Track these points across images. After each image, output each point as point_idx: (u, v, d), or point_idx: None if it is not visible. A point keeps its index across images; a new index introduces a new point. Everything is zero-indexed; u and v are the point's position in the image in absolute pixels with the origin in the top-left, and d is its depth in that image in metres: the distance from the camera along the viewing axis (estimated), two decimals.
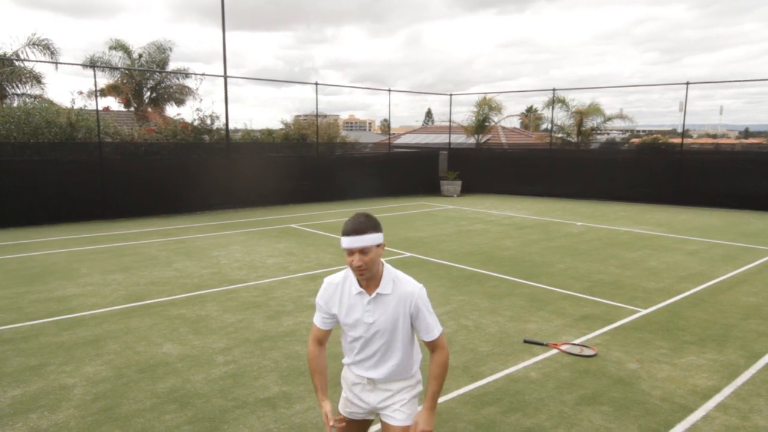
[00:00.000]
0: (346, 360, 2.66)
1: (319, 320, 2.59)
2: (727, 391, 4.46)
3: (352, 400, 2.66)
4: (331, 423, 2.41)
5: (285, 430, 3.83)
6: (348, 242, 2.34)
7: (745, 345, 5.45)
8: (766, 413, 4.09)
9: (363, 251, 2.34)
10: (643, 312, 6.46)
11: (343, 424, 2.48)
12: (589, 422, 3.95)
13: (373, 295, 2.43)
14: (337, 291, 2.51)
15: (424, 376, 2.65)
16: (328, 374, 2.64)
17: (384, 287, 2.43)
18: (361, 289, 2.45)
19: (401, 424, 2.52)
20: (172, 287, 7.40)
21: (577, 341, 5.48)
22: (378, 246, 2.38)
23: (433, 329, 2.46)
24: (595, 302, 6.84)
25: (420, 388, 2.65)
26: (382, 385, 2.56)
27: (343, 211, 15.41)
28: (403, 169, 20.04)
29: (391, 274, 2.47)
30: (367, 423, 2.75)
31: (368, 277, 2.41)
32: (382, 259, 2.49)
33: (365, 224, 2.35)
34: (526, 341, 5.47)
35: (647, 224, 13.12)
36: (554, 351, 5.24)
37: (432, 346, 2.49)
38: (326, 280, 2.56)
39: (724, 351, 5.30)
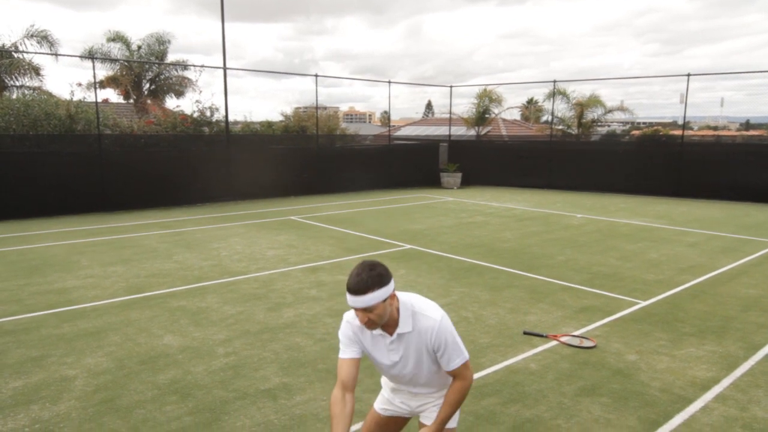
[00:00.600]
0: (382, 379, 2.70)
1: (347, 353, 2.40)
2: (726, 382, 4.48)
3: (392, 401, 2.65)
4: None
5: (286, 420, 3.85)
6: (350, 301, 2.23)
7: (745, 337, 5.47)
8: (765, 404, 4.11)
9: (367, 310, 2.22)
10: (643, 304, 6.47)
11: None
12: (588, 413, 3.97)
13: (394, 336, 2.35)
14: (358, 328, 2.40)
15: None
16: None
17: (403, 326, 2.33)
18: (381, 331, 2.36)
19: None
20: (172, 279, 7.41)
21: (576, 333, 5.50)
22: (385, 301, 2.23)
23: (451, 361, 2.36)
24: (594, 294, 6.85)
25: None
26: (422, 397, 2.58)
27: (343, 203, 15.40)
28: (403, 161, 20.02)
29: (408, 309, 2.34)
30: (403, 421, 2.73)
31: (377, 327, 2.32)
32: (397, 293, 2.36)
33: (367, 283, 2.19)
34: (525, 333, 5.48)
35: (647, 216, 13.12)
36: (554, 342, 5.26)
37: (453, 374, 2.41)
38: (345, 317, 2.44)
39: (724, 343, 5.31)
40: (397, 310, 2.32)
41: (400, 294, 2.37)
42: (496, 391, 4.30)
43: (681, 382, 4.46)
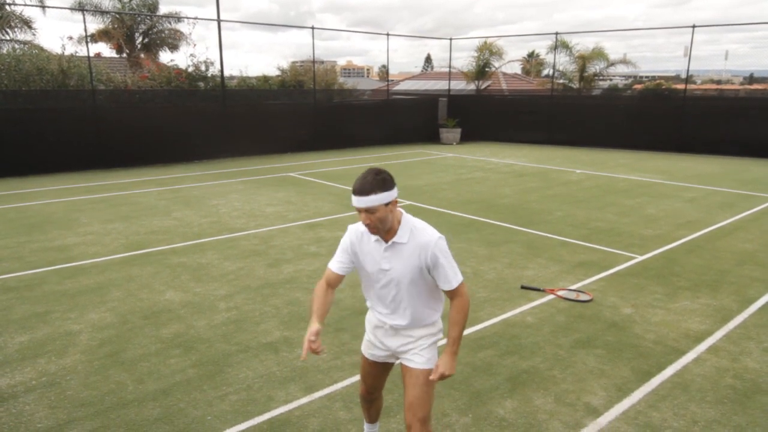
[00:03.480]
0: (367, 304, 2.73)
1: (335, 265, 2.60)
2: (719, 334, 4.57)
3: (374, 343, 2.71)
4: (306, 345, 2.39)
5: (287, 372, 3.94)
6: (354, 202, 2.36)
7: (739, 290, 5.54)
8: (756, 355, 4.21)
9: (369, 211, 2.34)
10: (640, 258, 6.53)
11: (318, 351, 2.41)
12: (583, 364, 4.06)
13: (389, 243, 2.45)
14: (358, 237, 2.55)
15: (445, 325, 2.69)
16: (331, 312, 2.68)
17: (400, 236, 2.44)
18: (379, 237, 2.48)
19: (421, 367, 2.56)
20: (172, 236, 7.44)
21: (573, 287, 5.57)
22: (387, 204, 2.36)
23: (451, 280, 2.46)
24: (592, 249, 6.90)
25: (440, 336, 2.68)
26: (403, 330, 2.60)
27: (341, 159, 15.32)
28: (401, 117, 19.77)
29: (408, 223, 2.47)
30: (389, 366, 2.81)
31: (382, 232, 2.42)
32: (401, 209, 2.51)
33: (371, 184, 2.33)
34: (523, 287, 5.55)
35: (647, 172, 13.09)
36: (551, 296, 5.33)
37: (451, 295, 2.50)
38: (350, 226, 2.61)
39: (718, 296, 5.39)
40: (398, 222, 2.46)
41: (406, 214, 2.51)
42: (493, 343, 4.39)
43: (675, 335, 4.55)
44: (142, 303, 5.18)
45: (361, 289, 2.73)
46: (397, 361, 2.72)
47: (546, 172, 13.15)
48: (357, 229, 2.57)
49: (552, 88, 20.27)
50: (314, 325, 2.46)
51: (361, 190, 2.32)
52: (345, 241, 2.60)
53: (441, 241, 2.46)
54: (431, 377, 2.45)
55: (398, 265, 2.46)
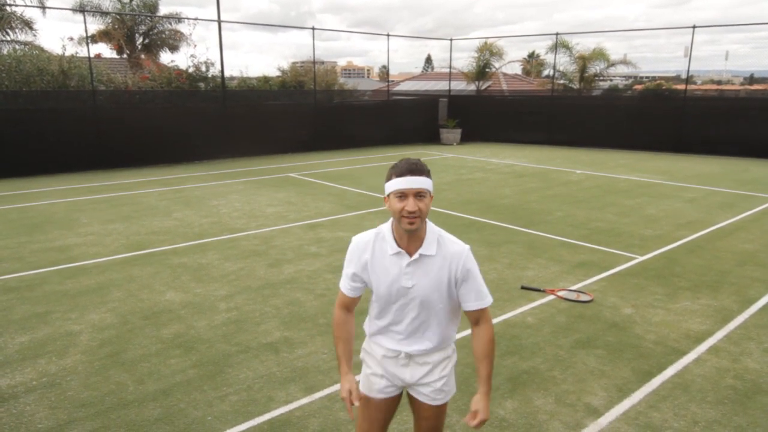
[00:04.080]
0: (371, 329, 2.29)
1: (346, 286, 2.21)
2: (719, 335, 4.56)
3: (384, 375, 2.26)
4: (355, 402, 2.10)
5: (287, 372, 3.94)
6: (404, 183, 1.98)
7: (740, 290, 5.54)
8: (757, 356, 4.20)
9: (420, 194, 1.99)
10: (640, 259, 6.53)
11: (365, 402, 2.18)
12: (583, 365, 4.06)
13: (416, 256, 2.07)
14: (368, 250, 2.13)
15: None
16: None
17: (428, 247, 2.08)
18: (400, 249, 2.08)
19: (442, 403, 2.28)
20: (172, 236, 7.44)
21: (573, 287, 5.57)
22: (430, 195, 2.06)
23: (484, 296, 2.15)
24: (592, 249, 6.90)
25: (456, 357, 2.35)
26: (419, 357, 2.22)
27: (341, 160, 15.32)
28: (402, 117, 19.78)
29: (435, 233, 2.12)
30: (397, 401, 2.36)
31: (415, 230, 2.04)
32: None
33: (422, 165, 2.02)
34: (523, 287, 5.55)
35: (647, 172, 13.09)
36: (551, 297, 5.33)
37: (477, 317, 2.16)
38: (354, 239, 2.19)
39: (719, 296, 5.39)
40: (424, 230, 2.10)
41: (430, 222, 2.17)
42: None
43: (675, 335, 4.55)
44: (143, 303, 5.18)
45: (368, 311, 2.31)
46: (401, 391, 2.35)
47: (546, 172, 13.15)
48: (365, 241, 2.15)
49: (552, 88, 20.27)
50: (350, 380, 2.13)
51: (412, 169, 1.99)
52: (353, 255, 2.17)
53: (471, 252, 2.16)
54: (472, 424, 2.09)
55: (424, 281, 2.09)
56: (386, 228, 2.15)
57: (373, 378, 2.29)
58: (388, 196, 2.07)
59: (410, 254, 2.09)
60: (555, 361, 4.11)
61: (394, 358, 2.23)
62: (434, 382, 2.24)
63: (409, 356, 2.21)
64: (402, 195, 1.99)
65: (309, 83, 18.06)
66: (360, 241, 2.17)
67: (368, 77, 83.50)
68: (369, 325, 2.31)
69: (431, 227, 2.13)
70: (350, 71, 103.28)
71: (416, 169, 2.00)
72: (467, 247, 2.16)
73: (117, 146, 13.45)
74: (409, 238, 2.07)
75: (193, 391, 3.71)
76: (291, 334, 4.55)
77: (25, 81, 13.07)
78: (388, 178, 2.07)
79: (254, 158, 15.55)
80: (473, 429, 2.13)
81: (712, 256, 6.65)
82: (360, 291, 2.23)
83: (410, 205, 1.97)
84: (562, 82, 22.47)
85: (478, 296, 2.14)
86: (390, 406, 2.33)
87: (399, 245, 2.09)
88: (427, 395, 2.26)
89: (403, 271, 2.09)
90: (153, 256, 6.59)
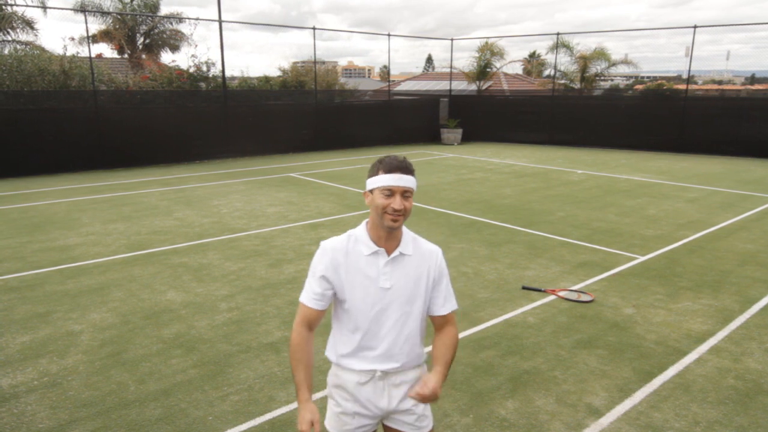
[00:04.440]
0: (340, 352, 2.11)
1: (309, 298, 2.05)
2: (720, 335, 4.56)
3: (357, 412, 2.09)
4: None
5: (288, 372, 3.94)
6: (392, 180, 1.94)
7: (741, 291, 5.54)
8: (758, 356, 4.20)
9: (406, 193, 1.96)
10: (641, 259, 6.52)
11: None
12: (584, 365, 4.06)
13: (395, 253, 2.01)
14: (340, 255, 2.02)
15: None
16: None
17: (405, 246, 2.03)
18: (378, 248, 2.00)
19: (427, 430, 2.15)
20: (173, 236, 7.44)
21: (574, 287, 5.56)
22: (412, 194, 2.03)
23: (453, 299, 2.11)
24: (593, 249, 6.90)
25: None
26: (395, 376, 2.08)
27: (342, 160, 15.32)
28: (403, 117, 19.78)
29: (409, 234, 2.09)
30: None
31: (396, 229, 1.98)
32: None
33: (410, 164, 2.00)
34: (524, 288, 5.54)
35: (648, 172, 13.08)
36: (552, 297, 5.33)
37: (444, 322, 2.10)
38: (323, 244, 2.06)
39: (720, 296, 5.39)
40: (401, 231, 2.06)
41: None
42: (494, 343, 4.39)
43: (676, 335, 4.54)
44: (144, 303, 5.19)
45: (331, 333, 2.16)
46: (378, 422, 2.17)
47: (547, 172, 13.14)
48: (337, 246, 2.03)
49: (553, 88, 20.26)
50: (308, 409, 1.94)
51: (402, 167, 1.96)
52: (321, 262, 2.02)
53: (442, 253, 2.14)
54: (414, 391, 1.94)
55: (402, 281, 2.02)
56: (360, 230, 2.06)
57: (344, 417, 2.10)
58: (371, 191, 2.00)
59: (388, 253, 2.02)
60: (556, 361, 4.11)
61: (369, 381, 2.06)
62: (416, 407, 2.10)
63: (385, 374, 2.05)
64: (389, 192, 1.95)
65: (310, 83, 18.05)
66: (331, 244, 2.04)
67: (369, 77, 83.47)
68: (335, 348, 2.14)
69: (405, 229, 2.07)
70: (351, 71, 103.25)
71: (405, 167, 1.97)
72: (439, 248, 2.14)
73: (118, 146, 13.46)
74: (387, 237, 2.00)
75: (194, 391, 3.72)
76: None
77: (26, 81, 13.08)
78: (374, 173, 2.01)
79: (255, 158, 15.55)
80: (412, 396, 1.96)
81: (713, 256, 6.64)
82: (327, 301, 2.06)
83: (397, 203, 1.93)
84: (563, 82, 22.45)
85: (447, 299, 2.09)
86: None
87: (377, 245, 2.01)
88: (411, 424, 2.11)
89: (381, 272, 2.01)
90: (154, 256, 6.59)
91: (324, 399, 3.54)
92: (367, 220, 2.08)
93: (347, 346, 2.08)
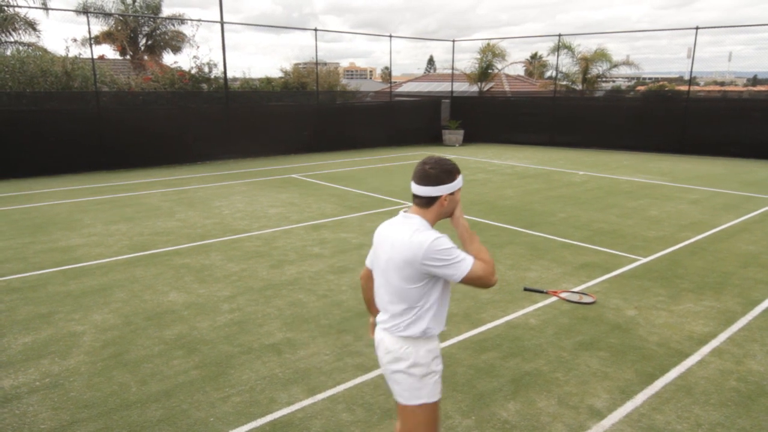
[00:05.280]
0: (443, 325, 2.39)
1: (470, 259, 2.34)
2: (723, 336, 4.55)
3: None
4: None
5: (290, 374, 3.94)
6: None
7: (743, 292, 5.52)
8: (761, 358, 4.19)
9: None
10: (643, 260, 6.51)
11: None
12: (586, 366, 4.05)
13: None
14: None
15: None
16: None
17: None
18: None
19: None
20: (175, 237, 7.45)
21: (576, 289, 5.56)
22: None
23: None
24: (595, 251, 6.89)
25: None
26: None
27: (344, 161, 15.33)
28: (404, 118, 19.78)
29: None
30: None
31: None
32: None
33: (428, 175, 2.24)
34: (526, 289, 5.54)
35: (650, 173, 13.07)
36: (554, 298, 5.32)
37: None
38: (444, 235, 2.33)
39: (722, 298, 5.38)
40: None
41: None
42: (496, 345, 4.38)
43: (678, 337, 4.53)
44: (146, 304, 5.19)
45: (432, 313, 2.32)
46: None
47: (549, 173, 13.13)
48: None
49: (555, 89, 20.25)
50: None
51: (422, 177, 2.34)
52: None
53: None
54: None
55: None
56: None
57: (440, 378, 2.41)
58: (453, 193, 2.31)
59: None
60: (558, 363, 4.10)
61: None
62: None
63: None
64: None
65: (311, 84, 18.08)
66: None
67: (371, 78, 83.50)
68: (438, 325, 2.35)
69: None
70: (353, 72, 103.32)
71: (424, 178, 2.32)
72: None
73: (120, 147, 13.48)
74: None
75: (195, 392, 3.72)
76: (293, 336, 4.55)
77: (28, 82, 13.11)
78: (456, 175, 2.32)
79: (257, 159, 15.57)
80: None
81: (715, 257, 6.63)
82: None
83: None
84: (564, 83, 22.44)
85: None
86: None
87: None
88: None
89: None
90: (156, 257, 6.60)
91: (316, 407, 3.51)
92: (425, 221, 2.28)
93: (444, 318, 2.40)
